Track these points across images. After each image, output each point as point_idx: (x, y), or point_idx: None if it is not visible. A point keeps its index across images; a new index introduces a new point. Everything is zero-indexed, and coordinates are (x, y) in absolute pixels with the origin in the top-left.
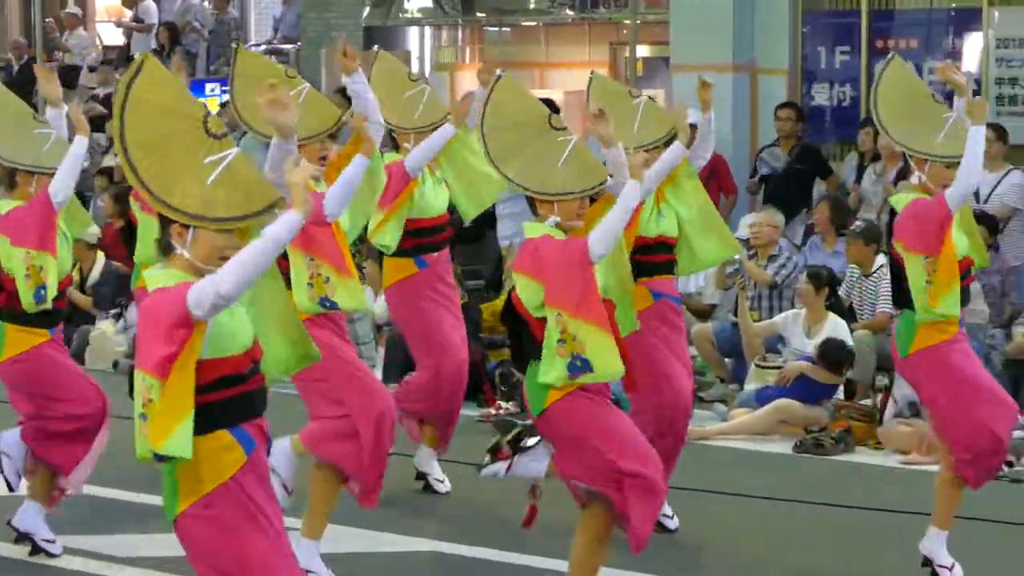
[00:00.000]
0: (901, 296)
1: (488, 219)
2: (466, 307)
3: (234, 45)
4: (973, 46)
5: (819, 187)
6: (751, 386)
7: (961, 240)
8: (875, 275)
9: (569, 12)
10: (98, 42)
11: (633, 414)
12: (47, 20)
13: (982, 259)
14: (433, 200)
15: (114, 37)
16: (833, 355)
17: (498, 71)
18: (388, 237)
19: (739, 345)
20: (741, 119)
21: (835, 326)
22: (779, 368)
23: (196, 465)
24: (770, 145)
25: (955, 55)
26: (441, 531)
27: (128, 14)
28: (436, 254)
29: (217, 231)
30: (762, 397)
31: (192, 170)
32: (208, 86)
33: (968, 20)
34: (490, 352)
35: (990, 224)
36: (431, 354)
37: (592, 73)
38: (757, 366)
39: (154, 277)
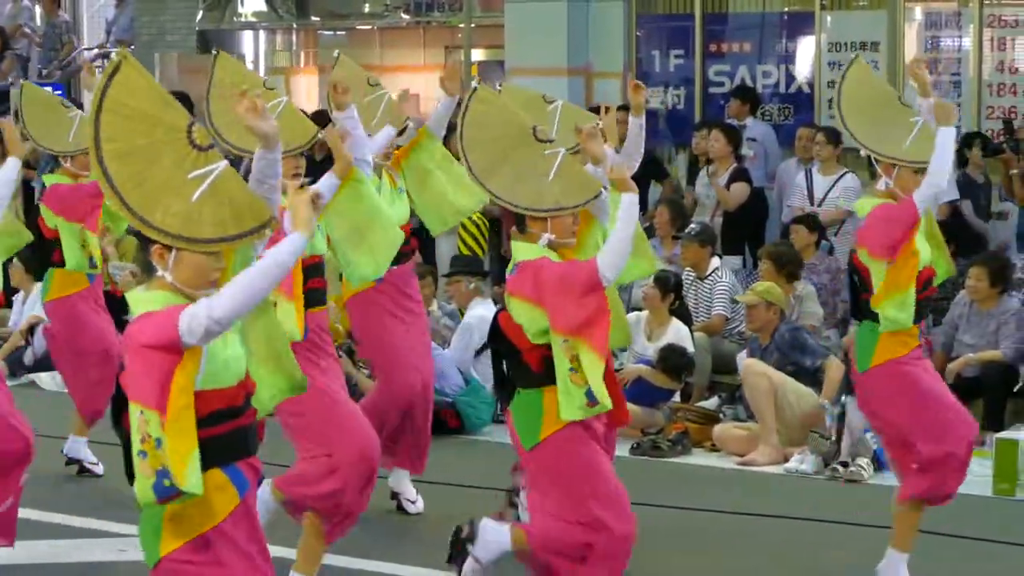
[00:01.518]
0: (859, 307)
1: None
2: None
3: (214, 52)
4: (806, 50)
5: (655, 189)
6: None
7: (924, 249)
8: (710, 278)
9: (404, 16)
10: None
11: None
12: None
13: (947, 269)
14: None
15: None
16: (673, 361)
17: (473, 82)
18: None
19: None
20: None
21: (677, 331)
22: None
23: (186, 506)
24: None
25: (788, 59)
26: (425, 554)
27: None
28: (394, 267)
29: (202, 252)
30: None
31: (175, 185)
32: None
33: (801, 24)
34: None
35: (814, 228)
36: (383, 371)
37: (501, 83)
38: None
39: (137, 299)
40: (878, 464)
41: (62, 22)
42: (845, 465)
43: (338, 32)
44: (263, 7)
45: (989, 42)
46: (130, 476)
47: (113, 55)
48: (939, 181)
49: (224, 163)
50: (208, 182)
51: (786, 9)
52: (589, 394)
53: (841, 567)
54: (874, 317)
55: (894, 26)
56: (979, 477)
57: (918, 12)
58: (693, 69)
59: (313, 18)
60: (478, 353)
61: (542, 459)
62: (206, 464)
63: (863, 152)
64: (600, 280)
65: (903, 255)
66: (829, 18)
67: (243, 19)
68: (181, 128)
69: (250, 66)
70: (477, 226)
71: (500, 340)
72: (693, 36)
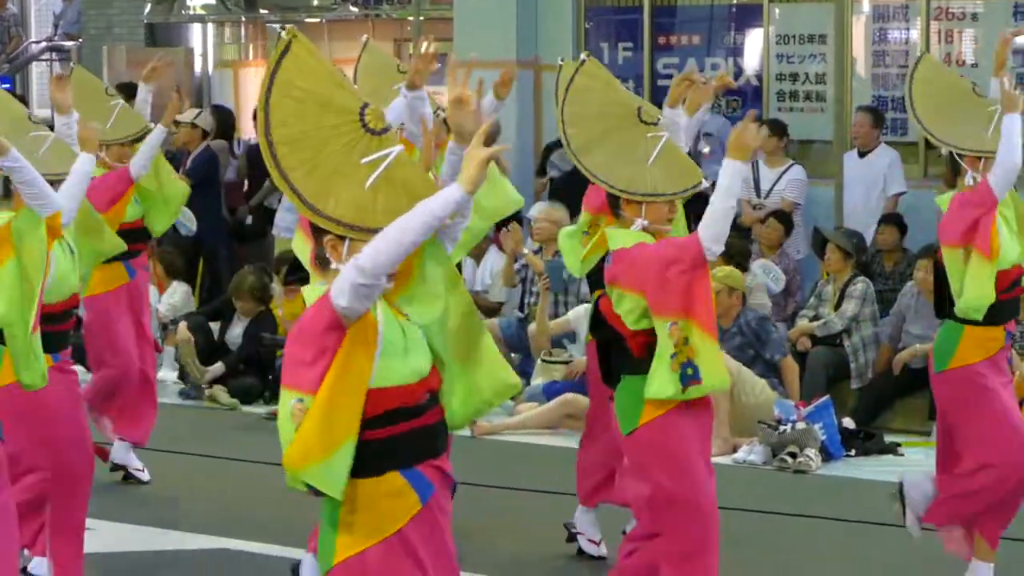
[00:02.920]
0: (941, 305)
1: (268, 213)
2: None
3: (364, 39)
4: (754, 42)
5: None
6: (538, 381)
7: (1013, 246)
8: None
9: (353, 8)
10: None
11: None
12: None
13: None
14: None
15: None
16: None
17: (582, 55)
18: None
19: (525, 340)
20: (525, 115)
21: None
22: (565, 363)
23: (360, 512)
24: (557, 145)
25: (737, 51)
26: None
27: None
28: None
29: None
30: (550, 391)
31: (346, 172)
32: None
33: (750, 16)
34: (279, 351)
35: (787, 223)
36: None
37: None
38: (543, 361)
39: (314, 294)
40: (826, 455)
41: (10, 15)
42: (793, 456)
43: (286, 25)
44: (211, 0)
45: (936, 35)
46: None
47: (283, 34)
48: (1009, 162)
49: (400, 147)
50: (382, 168)
51: (735, 1)
52: (683, 376)
53: (789, 557)
54: (955, 317)
55: (842, 19)
56: (926, 466)
57: (866, 5)
58: (642, 62)
59: (261, 11)
60: None
61: (636, 445)
62: (382, 468)
63: (944, 150)
64: (704, 255)
65: (983, 239)
66: (777, 11)
67: (191, 12)
68: (353, 111)
69: (198, 60)
70: None
71: (602, 327)
72: (642, 29)
